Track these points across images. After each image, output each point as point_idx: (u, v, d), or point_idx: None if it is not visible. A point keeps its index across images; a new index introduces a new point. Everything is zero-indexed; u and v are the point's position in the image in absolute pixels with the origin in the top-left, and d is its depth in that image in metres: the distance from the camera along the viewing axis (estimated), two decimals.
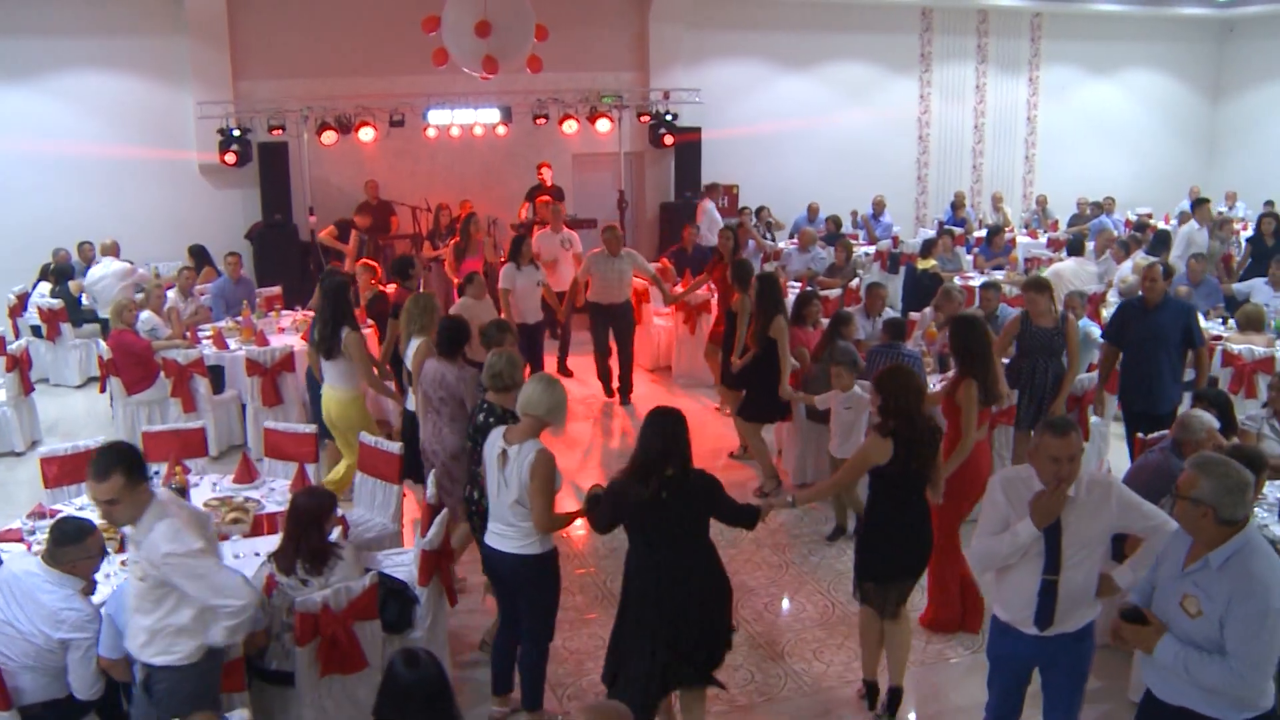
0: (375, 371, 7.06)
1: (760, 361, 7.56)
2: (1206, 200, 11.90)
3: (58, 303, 10.72)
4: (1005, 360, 7.30)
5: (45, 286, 11.05)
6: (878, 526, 4.84)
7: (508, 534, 4.64)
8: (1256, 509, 5.45)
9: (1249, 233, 13.11)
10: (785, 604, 6.28)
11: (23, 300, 11.30)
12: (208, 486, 5.93)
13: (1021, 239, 15.33)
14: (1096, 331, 8.59)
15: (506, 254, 9.84)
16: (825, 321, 8.14)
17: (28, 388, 9.07)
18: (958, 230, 14.84)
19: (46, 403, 10.30)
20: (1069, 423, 3.82)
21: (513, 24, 7.07)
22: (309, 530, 4.38)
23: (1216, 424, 5.62)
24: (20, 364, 8.93)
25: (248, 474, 5.97)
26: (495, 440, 4.67)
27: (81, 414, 10.08)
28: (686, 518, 4.28)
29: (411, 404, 6.74)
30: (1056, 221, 16.21)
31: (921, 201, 17.54)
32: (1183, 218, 12.28)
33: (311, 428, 6.50)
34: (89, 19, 12.52)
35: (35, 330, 10.93)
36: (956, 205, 15.90)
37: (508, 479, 4.55)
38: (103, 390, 9.05)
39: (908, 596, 4.98)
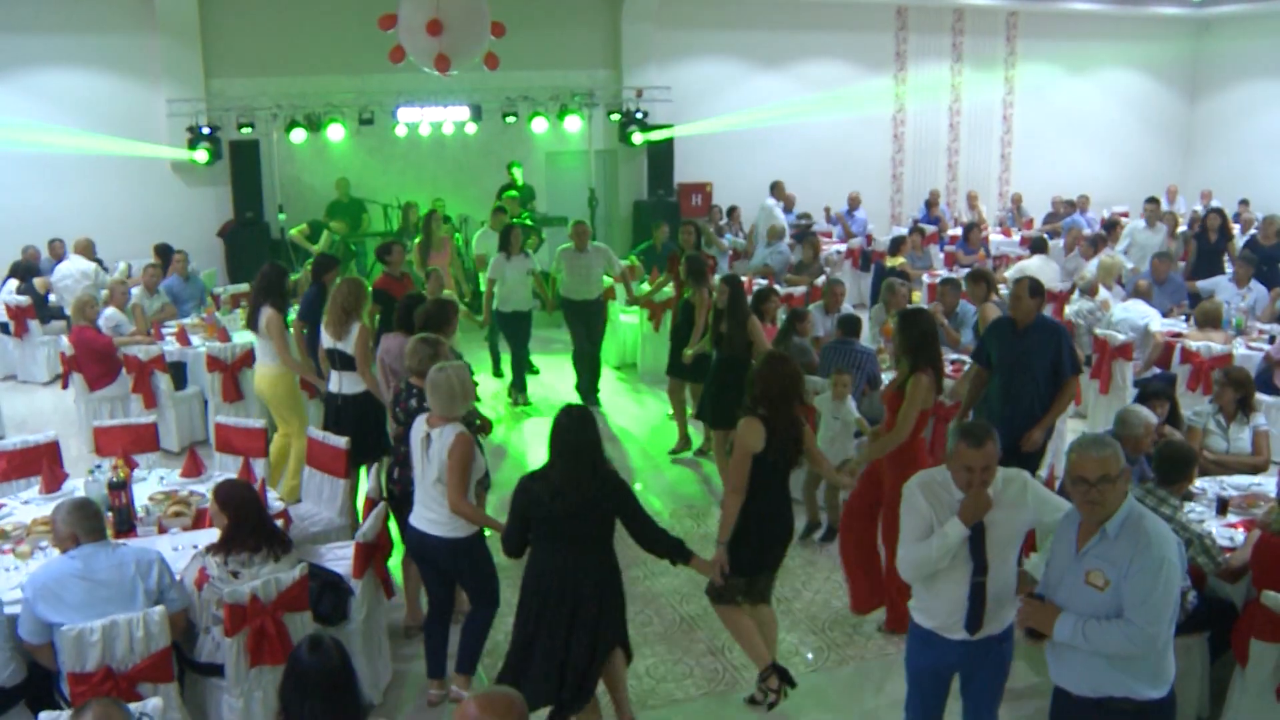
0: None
1: (731, 366, 7.32)
2: (1156, 200, 12.01)
3: (25, 299, 10.72)
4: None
5: (13, 284, 11.06)
6: (754, 519, 4.72)
7: (435, 518, 4.78)
8: (1188, 505, 5.51)
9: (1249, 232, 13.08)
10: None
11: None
12: (155, 480, 5.95)
13: (995, 237, 15.41)
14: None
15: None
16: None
17: None
18: (930, 228, 14.93)
19: (14, 399, 10.35)
20: (986, 431, 3.76)
21: (465, 22, 7.08)
22: (252, 521, 4.42)
23: (1155, 419, 5.69)
24: None
25: (195, 468, 6.00)
26: (419, 425, 4.83)
27: (49, 410, 10.09)
28: (591, 520, 4.31)
29: (350, 387, 6.80)
30: (1031, 220, 16.30)
31: (896, 200, 17.59)
32: (1152, 216, 12.31)
33: (260, 422, 6.53)
34: (60, 16, 12.50)
35: (3, 327, 10.94)
36: (931, 203, 15.97)
37: (431, 461, 4.71)
38: (65, 386, 9.08)
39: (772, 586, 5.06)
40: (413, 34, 7.25)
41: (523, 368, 10.04)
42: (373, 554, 5.00)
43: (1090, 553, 3.46)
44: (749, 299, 8.47)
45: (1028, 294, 6.23)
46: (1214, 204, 17.04)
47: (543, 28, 14.21)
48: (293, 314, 7.81)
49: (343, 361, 6.73)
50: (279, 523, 5.33)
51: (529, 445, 8.98)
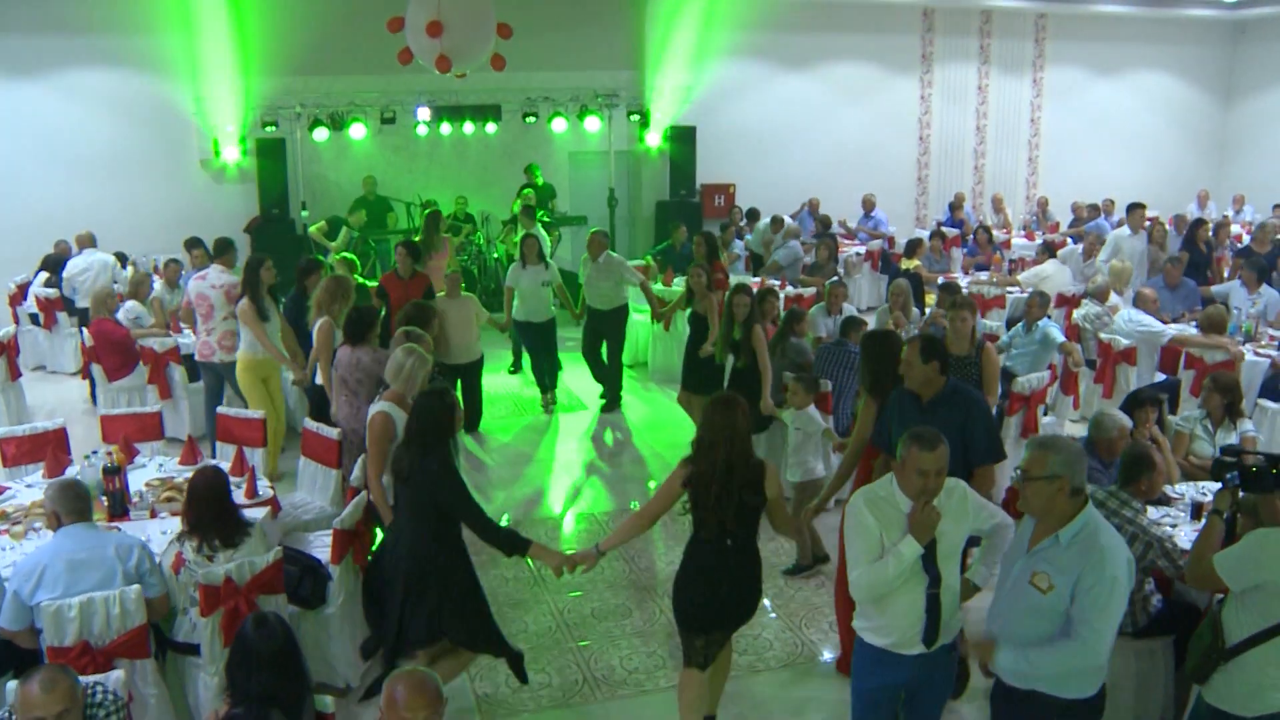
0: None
1: (741, 374, 7.44)
2: (1142, 205, 11.82)
3: (53, 292, 11.06)
4: None
5: (43, 276, 11.41)
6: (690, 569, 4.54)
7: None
8: (1163, 510, 5.53)
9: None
10: None
11: (23, 290, 11.65)
12: (154, 467, 6.16)
13: (1019, 241, 15.34)
14: (1057, 331, 8.66)
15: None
16: None
17: (15, 373, 9.37)
18: (953, 232, 14.89)
19: (43, 388, 10.69)
20: (937, 435, 3.73)
21: (466, 24, 7.21)
22: (218, 506, 4.58)
23: (1129, 423, 5.71)
24: (8, 350, 9.23)
25: (191, 455, 6.20)
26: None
27: (75, 399, 10.39)
28: (416, 500, 4.63)
29: (319, 378, 7.14)
30: (1057, 224, 16.18)
31: (921, 202, 17.55)
32: (1135, 222, 12.10)
33: (260, 413, 6.72)
34: (96, 17, 12.90)
35: (34, 318, 11.29)
36: (955, 206, 15.91)
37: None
38: (85, 376, 9.37)
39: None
40: (417, 35, 7.41)
41: (542, 375, 10.02)
42: (351, 541, 5.15)
43: (1041, 554, 3.51)
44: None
45: (919, 358, 4.81)
46: (1245, 210, 16.89)
47: (568, 29, 14.42)
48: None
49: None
50: (267, 509, 5.56)
51: (559, 444, 9.18)
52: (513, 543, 4.66)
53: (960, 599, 3.92)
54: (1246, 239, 13.52)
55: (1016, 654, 3.50)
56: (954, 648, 3.95)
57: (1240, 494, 3.95)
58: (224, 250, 8.39)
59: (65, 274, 10.92)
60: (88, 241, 10.96)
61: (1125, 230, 11.89)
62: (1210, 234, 11.80)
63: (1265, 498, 3.85)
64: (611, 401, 10.06)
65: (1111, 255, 11.50)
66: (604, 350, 9.99)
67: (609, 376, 10.05)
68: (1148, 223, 12.09)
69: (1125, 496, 4.83)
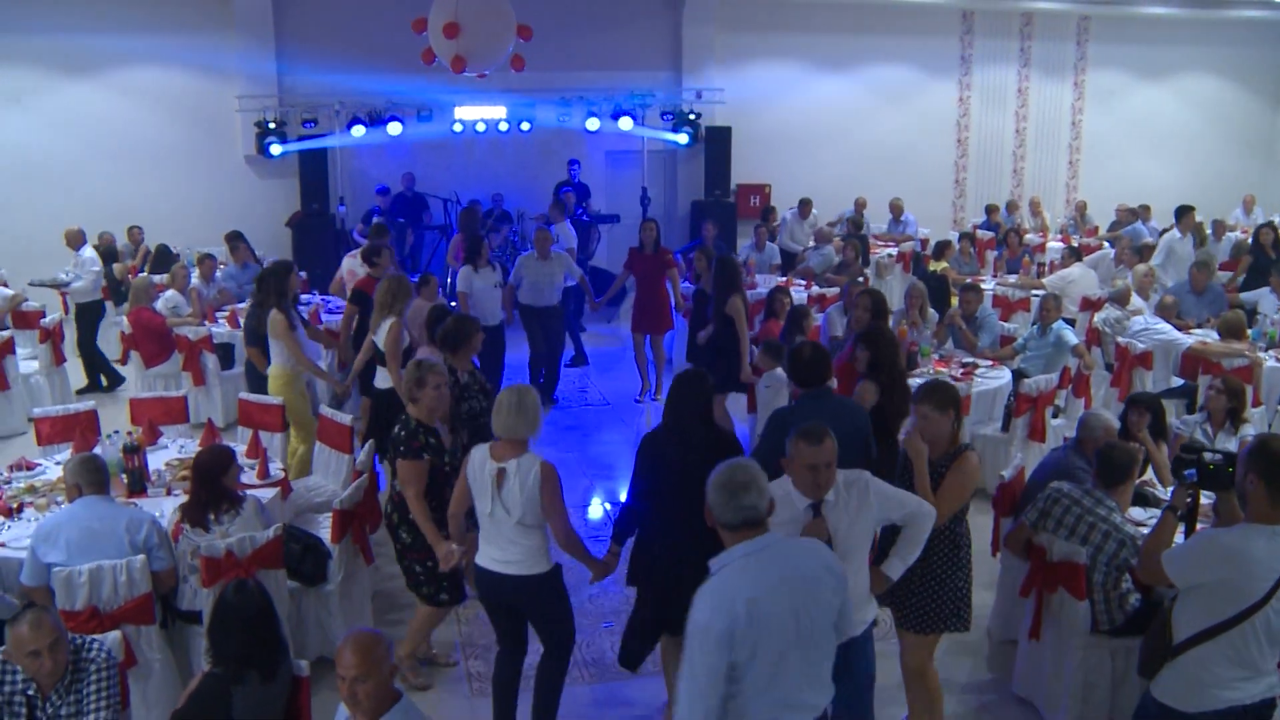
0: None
1: (719, 337, 8.11)
2: (1191, 209, 11.70)
3: (101, 281, 11.46)
4: None
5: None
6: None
7: (509, 557, 4.42)
8: (1150, 510, 5.56)
9: None
10: None
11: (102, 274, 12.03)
12: (175, 449, 6.47)
13: (1055, 244, 15.23)
14: (1070, 334, 8.67)
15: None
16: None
17: (59, 358, 9.78)
18: (988, 235, 14.87)
19: None
20: (824, 429, 3.77)
21: (483, 25, 7.39)
22: (206, 483, 4.84)
23: (1116, 424, 5.76)
24: (53, 336, 9.65)
25: (211, 439, 6.46)
26: (482, 460, 4.43)
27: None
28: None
29: (382, 382, 7.14)
30: (1096, 227, 16.04)
31: (959, 204, 17.49)
32: (1185, 226, 11.97)
33: (279, 400, 6.98)
34: (144, 17, 13.35)
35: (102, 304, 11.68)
36: (991, 210, 15.85)
37: (507, 499, 4.35)
38: (124, 363, 9.76)
39: None
40: (437, 36, 7.62)
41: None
42: (351, 521, 5.38)
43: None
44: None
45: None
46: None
47: (606, 30, 14.65)
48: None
49: (380, 357, 6.95)
50: (277, 490, 5.82)
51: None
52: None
53: (872, 588, 4.03)
54: None
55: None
56: (866, 639, 4.01)
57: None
58: (378, 239, 9.25)
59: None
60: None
61: (1175, 234, 11.82)
62: (1273, 237, 11.65)
63: (1223, 495, 3.91)
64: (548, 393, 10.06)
65: (1164, 260, 11.45)
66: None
67: (549, 371, 10.06)
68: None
69: (1099, 495, 4.91)
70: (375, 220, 12.09)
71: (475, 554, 4.58)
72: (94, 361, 10.43)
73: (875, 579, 4.05)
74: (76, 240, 11.12)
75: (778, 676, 3.06)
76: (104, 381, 10.36)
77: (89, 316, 10.44)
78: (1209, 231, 13.42)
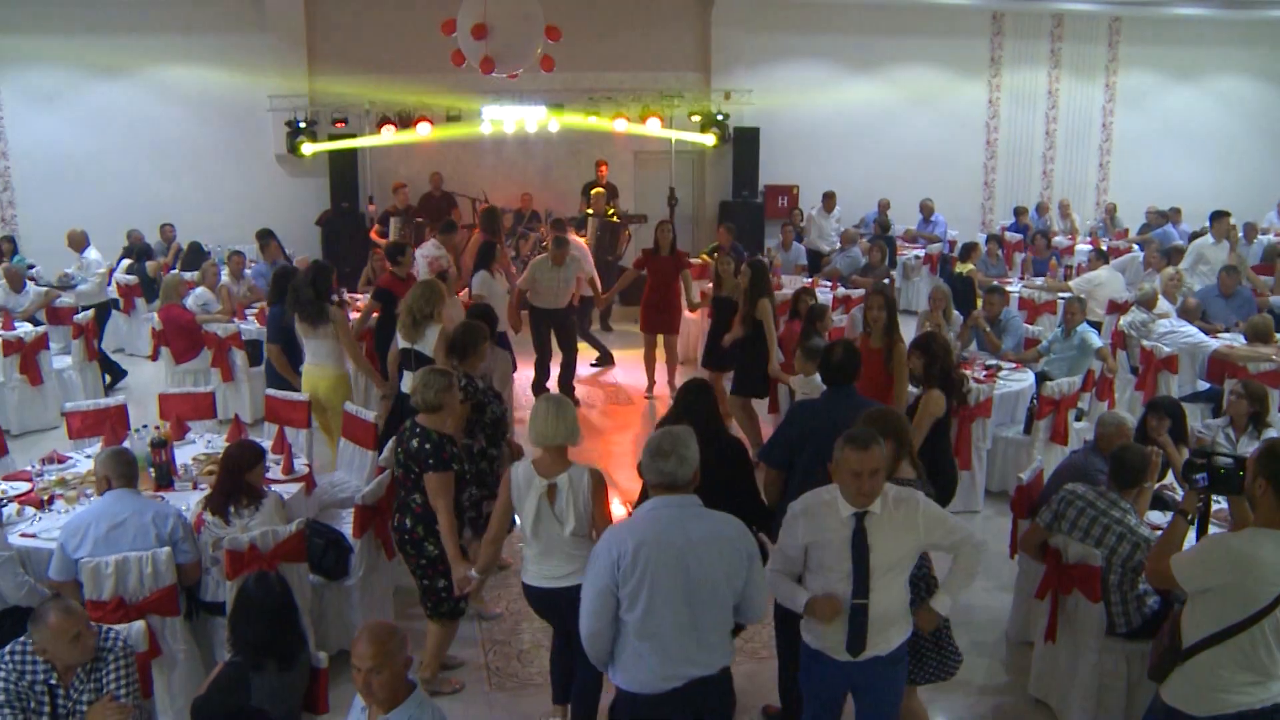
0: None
1: (749, 341, 8.13)
2: (1226, 213, 11.53)
3: (134, 279, 11.68)
4: None
5: (126, 263, 12.06)
6: None
7: (563, 570, 4.35)
8: (1156, 514, 5.54)
9: None
10: None
11: (107, 275, 12.29)
12: (202, 444, 6.58)
13: (1083, 247, 15.13)
14: (1095, 336, 8.64)
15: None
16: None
17: (92, 354, 9.96)
18: (1016, 237, 14.80)
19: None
20: (871, 435, 3.66)
21: (512, 26, 7.45)
22: (231, 474, 4.94)
23: (1132, 424, 5.75)
24: (85, 332, 9.82)
25: (237, 434, 6.57)
26: (529, 476, 4.35)
27: (148, 380, 10.92)
28: None
29: (406, 386, 7.13)
30: (1126, 230, 15.93)
31: (988, 206, 17.40)
32: (1219, 230, 11.83)
33: (305, 395, 7.08)
34: (178, 18, 13.58)
35: (114, 303, 11.91)
36: (1020, 212, 15.77)
37: (560, 512, 4.30)
38: (154, 359, 9.92)
39: None
40: (465, 37, 7.70)
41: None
42: (373, 517, 5.47)
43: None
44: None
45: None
46: None
47: (635, 30, 14.73)
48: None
49: (419, 362, 6.53)
50: (301, 485, 5.91)
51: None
52: None
53: (922, 625, 3.92)
54: None
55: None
56: (896, 660, 3.85)
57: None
58: (450, 229, 10.27)
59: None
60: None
61: (1209, 239, 11.67)
62: None
63: (1234, 500, 3.91)
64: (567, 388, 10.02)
65: (1194, 264, 11.30)
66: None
67: (564, 370, 10.04)
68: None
69: (1114, 496, 4.91)
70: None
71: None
72: (101, 360, 10.54)
73: (924, 617, 3.91)
74: (80, 242, 11.31)
75: (663, 623, 3.45)
76: (107, 379, 10.45)
77: (97, 317, 10.52)
78: (1240, 235, 13.28)
